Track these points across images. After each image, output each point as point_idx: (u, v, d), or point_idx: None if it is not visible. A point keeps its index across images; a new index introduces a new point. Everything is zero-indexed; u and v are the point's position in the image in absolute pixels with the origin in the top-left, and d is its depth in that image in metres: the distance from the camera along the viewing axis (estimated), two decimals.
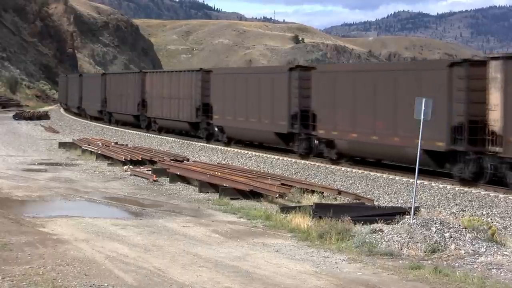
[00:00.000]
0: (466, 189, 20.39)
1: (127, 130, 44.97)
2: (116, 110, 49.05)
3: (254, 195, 18.14)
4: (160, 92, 41.13)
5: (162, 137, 39.54)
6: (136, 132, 43.65)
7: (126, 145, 32.05)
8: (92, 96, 55.19)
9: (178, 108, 38.32)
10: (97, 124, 51.28)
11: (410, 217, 13.12)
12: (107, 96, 51.11)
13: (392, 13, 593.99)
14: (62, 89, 75.30)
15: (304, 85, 28.18)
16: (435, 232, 12.27)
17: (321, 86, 27.31)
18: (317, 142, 27.47)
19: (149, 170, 23.11)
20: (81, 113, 59.76)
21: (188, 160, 25.93)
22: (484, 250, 11.88)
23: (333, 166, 25.81)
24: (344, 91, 25.84)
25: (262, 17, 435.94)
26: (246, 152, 31.18)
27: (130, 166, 24.23)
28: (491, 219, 15.92)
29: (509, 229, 15.10)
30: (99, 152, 27.60)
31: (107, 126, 48.83)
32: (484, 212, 17.08)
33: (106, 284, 9.58)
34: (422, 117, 14.09)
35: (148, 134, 41.83)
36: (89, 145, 30.17)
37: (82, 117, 58.34)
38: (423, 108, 14.05)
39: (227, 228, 14.15)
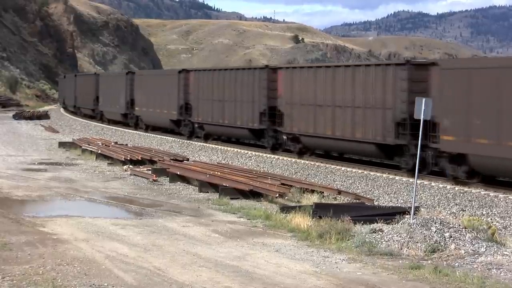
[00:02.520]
0: (466, 189, 20.41)
1: (127, 130, 44.88)
2: (212, 120, 35.31)
3: (254, 194, 18.13)
4: (312, 97, 27.73)
5: (162, 136, 39.44)
6: (136, 131, 43.59)
7: (126, 144, 32.04)
8: (155, 100, 41.61)
9: (351, 121, 25.46)
10: (97, 123, 51.16)
11: (410, 217, 13.13)
12: (190, 102, 37.72)
13: (392, 13, 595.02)
14: (81, 91, 60.05)
15: None
16: (435, 232, 12.27)
17: None
18: None
19: (149, 169, 23.11)
20: (128, 123, 46.68)
21: (188, 159, 25.93)
22: (484, 250, 11.88)
23: (333, 166, 25.80)
24: None
25: (262, 17, 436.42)
26: (246, 152, 31.17)
27: (130, 166, 24.22)
28: (491, 219, 15.92)
29: (509, 229, 15.10)
30: (99, 151, 27.59)
31: (107, 126, 48.62)
32: (484, 212, 17.08)
33: (106, 284, 9.57)
34: (422, 116, 14.10)
35: (148, 134, 41.48)
36: (89, 144, 30.16)
37: (130, 127, 45.91)
38: (423, 107, 14.07)
39: (227, 228, 14.14)
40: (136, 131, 43.58)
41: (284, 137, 29.85)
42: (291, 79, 29.42)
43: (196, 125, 37.32)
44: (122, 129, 45.75)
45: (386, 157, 24.88)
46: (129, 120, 46.56)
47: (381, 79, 24.35)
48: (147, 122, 43.71)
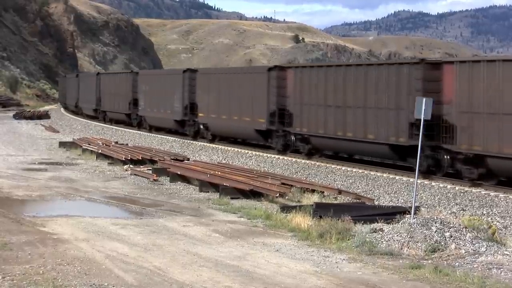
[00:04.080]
0: (466, 188, 20.39)
1: (127, 130, 44.86)
2: (325, 132, 27.02)
3: (254, 194, 18.13)
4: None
5: (163, 136, 39.40)
6: (136, 131, 43.56)
7: (127, 144, 32.04)
8: (231, 105, 33.60)
9: None
10: (97, 123, 51.14)
11: (411, 216, 13.13)
12: (288, 108, 29.53)
13: (392, 12, 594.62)
14: (109, 93, 51.01)
15: None
16: (435, 231, 12.27)
17: None
18: None
19: (150, 169, 23.11)
20: (185, 131, 38.28)
21: (188, 159, 25.94)
22: (484, 249, 11.88)
23: (333, 166, 25.79)
24: None
25: (262, 17, 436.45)
26: (246, 151, 31.13)
27: (131, 166, 24.22)
28: (491, 219, 15.92)
29: (509, 228, 15.10)
30: (100, 151, 27.59)
31: (107, 126, 48.64)
32: (485, 212, 17.08)
33: (106, 284, 9.58)
34: (422, 116, 14.10)
35: (149, 134, 41.42)
36: (89, 144, 30.17)
37: (186, 136, 37.70)
38: (423, 107, 14.07)
39: (227, 227, 14.15)
40: (136, 131, 43.52)
41: (447, 156, 21.86)
42: (469, 78, 20.89)
43: (294, 137, 29.30)
44: (123, 129, 45.69)
45: None
46: (187, 128, 38.13)
47: None
48: (216, 132, 35.53)
